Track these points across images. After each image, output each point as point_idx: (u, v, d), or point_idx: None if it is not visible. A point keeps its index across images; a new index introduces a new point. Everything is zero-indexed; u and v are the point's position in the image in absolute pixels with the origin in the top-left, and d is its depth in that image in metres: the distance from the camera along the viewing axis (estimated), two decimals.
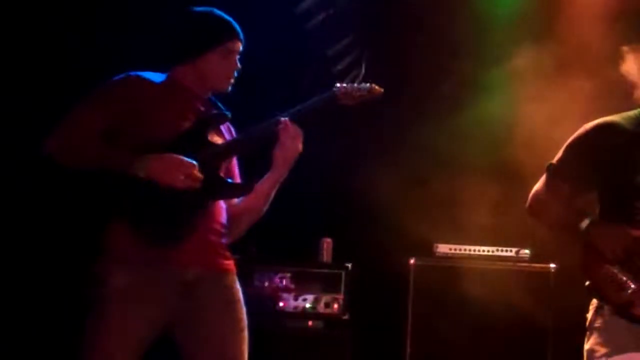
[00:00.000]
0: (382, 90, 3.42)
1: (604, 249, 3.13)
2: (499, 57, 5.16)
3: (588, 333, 3.20)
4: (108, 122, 3.27)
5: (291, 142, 3.33)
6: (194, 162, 3.24)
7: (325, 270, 4.85)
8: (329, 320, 4.75)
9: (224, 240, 3.41)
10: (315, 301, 4.77)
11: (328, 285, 4.79)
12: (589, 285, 3.18)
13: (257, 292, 4.72)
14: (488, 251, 4.81)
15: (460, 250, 4.82)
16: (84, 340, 3.26)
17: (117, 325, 3.21)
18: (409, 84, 5.31)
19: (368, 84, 3.43)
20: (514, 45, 5.10)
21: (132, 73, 3.36)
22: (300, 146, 3.35)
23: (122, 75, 3.35)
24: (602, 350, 3.14)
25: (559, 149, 3.27)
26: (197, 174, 3.21)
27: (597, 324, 3.18)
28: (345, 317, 4.75)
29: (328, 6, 5.27)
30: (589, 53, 4.86)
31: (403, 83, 5.21)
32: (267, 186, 3.39)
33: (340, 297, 4.76)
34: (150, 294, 3.25)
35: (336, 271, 4.80)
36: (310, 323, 4.75)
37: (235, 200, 3.45)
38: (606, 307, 3.16)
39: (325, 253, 4.94)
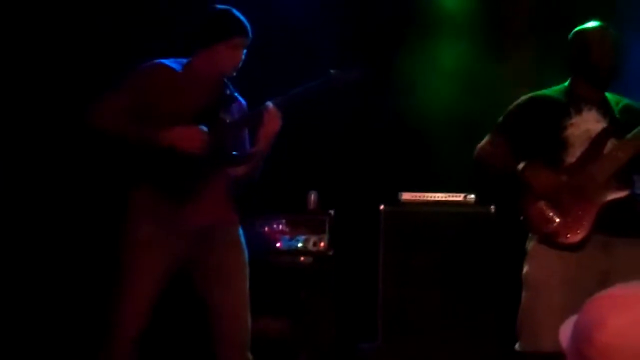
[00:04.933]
0: (365, 72, 3.65)
1: (536, 185, 3.35)
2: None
3: (524, 261, 3.49)
4: (136, 101, 3.52)
5: (271, 124, 3.56)
6: (205, 129, 3.48)
7: (313, 217, 5.13)
8: (317, 256, 5.05)
9: (229, 197, 3.71)
10: (306, 241, 5.06)
11: (315, 228, 5.09)
12: (522, 219, 3.43)
13: (259, 235, 5.00)
14: (441, 197, 5.01)
15: (419, 197, 5.02)
16: (120, 280, 3.55)
17: (146, 264, 3.50)
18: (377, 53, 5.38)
19: (356, 69, 3.67)
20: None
21: (157, 61, 3.63)
22: (277, 127, 3.57)
23: (149, 63, 3.63)
24: (535, 274, 3.44)
25: (505, 109, 3.57)
26: (207, 139, 3.46)
27: (531, 252, 3.47)
28: (330, 253, 5.05)
29: None
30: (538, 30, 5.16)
31: (370, 51, 5.34)
32: (255, 158, 3.65)
33: (325, 237, 5.06)
34: (171, 240, 3.53)
35: (321, 217, 5.10)
36: (302, 259, 5.04)
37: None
38: (537, 237, 3.43)
39: (312, 203, 5.22)
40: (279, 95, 3.62)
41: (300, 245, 5.08)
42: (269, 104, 3.58)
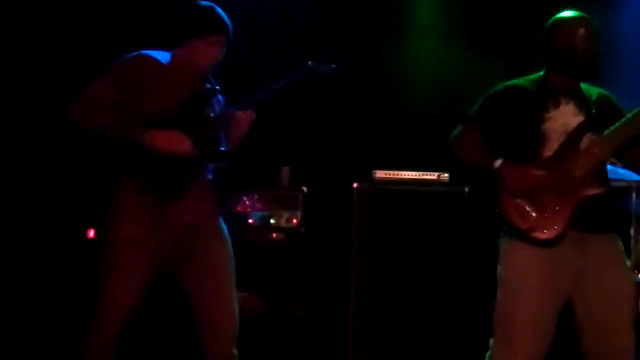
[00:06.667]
0: (340, 67, 3.74)
1: (513, 184, 3.32)
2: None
3: (499, 259, 3.43)
4: (120, 94, 3.47)
5: (239, 128, 3.66)
6: (189, 136, 3.47)
7: (286, 193, 5.21)
8: (289, 232, 5.13)
9: (212, 191, 3.71)
10: (278, 218, 5.13)
11: (288, 205, 5.15)
12: (498, 211, 3.40)
13: (232, 211, 5.03)
14: (415, 175, 5.06)
15: (393, 175, 5.08)
16: (101, 279, 3.51)
17: (129, 264, 3.48)
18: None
19: (332, 62, 3.75)
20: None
21: (143, 52, 3.60)
22: (244, 130, 3.66)
23: (134, 54, 3.58)
24: (509, 272, 3.39)
25: (476, 100, 3.53)
26: (189, 146, 3.47)
27: (505, 250, 3.42)
28: (302, 230, 5.14)
29: None
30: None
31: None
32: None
33: (298, 214, 5.13)
34: (155, 241, 3.51)
35: (294, 193, 5.18)
36: (274, 235, 5.12)
37: None
38: (512, 233, 3.37)
39: (285, 179, 5.30)
40: (257, 91, 3.66)
41: (273, 221, 5.14)
42: (236, 111, 3.62)
